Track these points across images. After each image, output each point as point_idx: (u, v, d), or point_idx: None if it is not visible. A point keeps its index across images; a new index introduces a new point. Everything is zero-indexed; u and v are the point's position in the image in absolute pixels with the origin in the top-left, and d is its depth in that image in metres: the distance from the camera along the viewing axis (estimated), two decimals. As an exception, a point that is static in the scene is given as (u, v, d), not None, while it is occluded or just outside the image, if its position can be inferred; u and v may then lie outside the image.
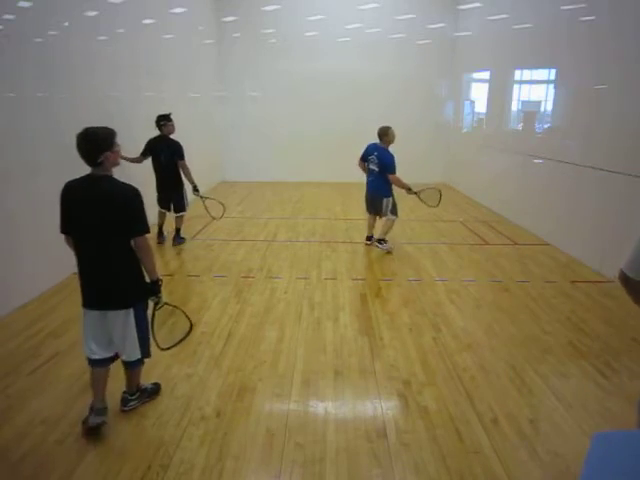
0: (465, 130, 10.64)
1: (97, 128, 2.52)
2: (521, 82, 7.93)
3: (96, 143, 2.44)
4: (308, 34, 10.63)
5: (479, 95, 9.72)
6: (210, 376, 3.18)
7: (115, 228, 2.47)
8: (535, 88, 7.55)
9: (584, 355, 3.51)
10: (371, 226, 6.15)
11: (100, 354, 2.61)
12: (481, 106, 9.63)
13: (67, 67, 4.87)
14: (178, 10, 8.14)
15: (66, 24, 4.85)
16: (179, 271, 5.23)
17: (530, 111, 7.57)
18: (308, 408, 2.88)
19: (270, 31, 10.64)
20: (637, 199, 4.73)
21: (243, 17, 10.56)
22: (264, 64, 10.79)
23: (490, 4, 8.90)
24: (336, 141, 10.78)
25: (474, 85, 10.25)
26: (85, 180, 2.54)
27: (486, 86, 9.31)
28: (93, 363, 2.63)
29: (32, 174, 4.35)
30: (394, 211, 5.83)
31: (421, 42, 10.71)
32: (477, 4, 9.50)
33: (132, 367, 2.72)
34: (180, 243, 6.14)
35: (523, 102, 7.84)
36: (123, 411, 2.77)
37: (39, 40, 4.44)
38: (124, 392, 2.80)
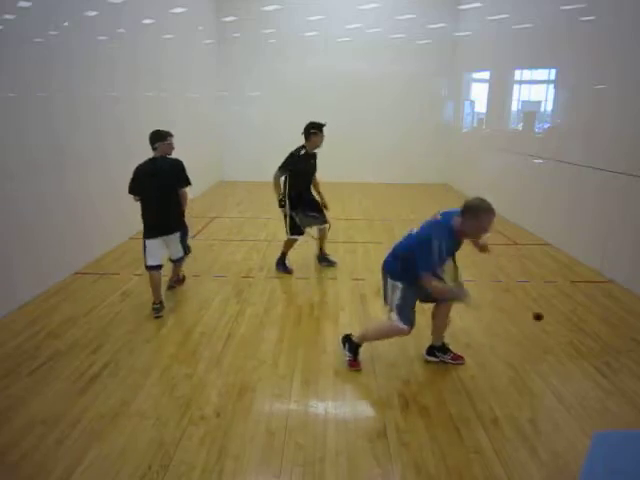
0: (465, 130, 10.64)
1: None
2: (521, 82, 7.93)
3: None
4: (308, 34, 10.63)
5: (479, 95, 9.72)
6: (210, 376, 3.18)
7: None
8: (535, 88, 7.55)
9: (584, 355, 3.51)
10: None
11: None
12: (481, 106, 9.63)
13: (67, 67, 4.88)
14: (178, 10, 8.13)
15: (66, 24, 4.85)
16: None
17: (530, 111, 7.57)
18: (308, 408, 2.88)
19: (270, 31, 10.63)
20: (637, 199, 4.74)
21: (243, 17, 10.56)
22: (264, 64, 10.79)
23: (490, 4, 8.90)
24: (336, 141, 10.73)
25: (474, 85, 10.25)
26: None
27: (486, 86, 9.31)
28: (150, 268, 4.03)
29: (32, 174, 4.35)
30: (402, 316, 3.21)
31: (421, 42, 10.70)
32: (477, 4, 9.50)
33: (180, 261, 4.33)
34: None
35: (523, 102, 7.83)
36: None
37: (39, 40, 4.44)
38: None
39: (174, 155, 4.24)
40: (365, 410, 2.90)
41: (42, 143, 4.49)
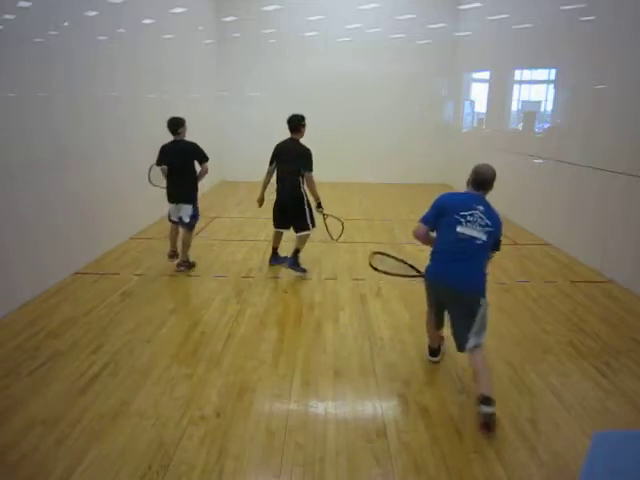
0: (465, 130, 10.64)
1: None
2: (521, 82, 7.93)
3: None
4: (308, 34, 10.63)
5: (479, 95, 9.72)
6: (210, 376, 3.18)
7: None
8: (535, 88, 7.55)
9: (584, 355, 3.51)
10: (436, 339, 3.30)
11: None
12: (481, 106, 9.63)
13: (67, 67, 4.87)
14: (178, 10, 8.14)
15: (66, 24, 4.85)
16: (179, 271, 5.23)
17: (530, 111, 7.57)
18: (308, 408, 2.88)
19: (270, 31, 10.64)
20: (637, 199, 4.74)
21: (243, 17, 10.56)
22: (264, 64, 10.79)
23: (490, 4, 8.90)
24: (336, 141, 10.78)
25: (474, 85, 10.24)
26: None
27: (486, 86, 9.31)
28: (171, 221, 5.19)
29: (32, 174, 4.35)
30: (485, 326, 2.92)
31: (421, 42, 10.71)
32: (477, 4, 9.50)
33: (186, 226, 5.07)
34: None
35: (523, 102, 7.83)
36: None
37: (39, 40, 4.44)
38: None
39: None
40: (365, 410, 2.89)
41: (43, 143, 4.49)
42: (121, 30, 6.05)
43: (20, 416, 2.73)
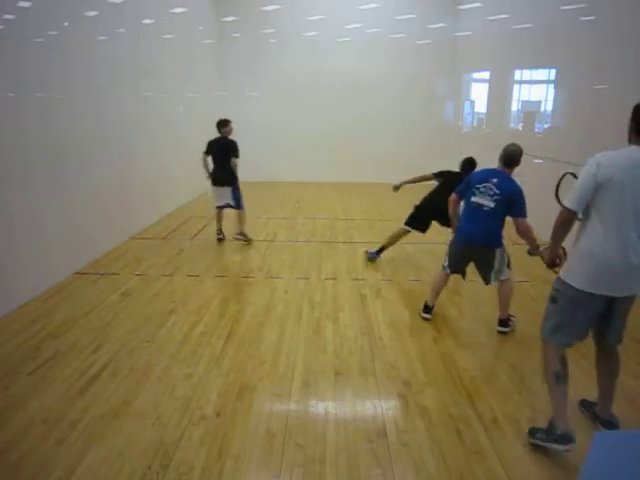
0: (465, 130, 10.64)
1: None
2: (521, 82, 7.94)
3: None
4: (308, 34, 10.64)
5: (479, 95, 9.73)
6: (210, 376, 3.18)
7: None
8: (535, 88, 7.55)
9: (584, 355, 3.50)
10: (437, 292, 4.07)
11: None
12: (481, 106, 9.64)
13: (67, 67, 4.88)
14: (178, 10, 8.14)
15: (66, 24, 4.85)
16: (179, 271, 5.23)
17: (530, 111, 7.58)
18: (308, 408, 2.88)
19: (270, 31, 10.65)
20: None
21: (243, 17, 10.57)
22: (264, 64, 10.80)
23: (490, 4, 8.90)
24: (336, 141, 10.80)
25: (474, 85, 10.25)
26: None
27: (486, 86, 9.31)
28: (216, 207, 6.28)
29: (32, 174, 4.35)
30: (509, 264, 3.93)
31: (421, 42, 10.71)
32: (477, 4, 9.51)
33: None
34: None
35: (523, 102, 7.84)
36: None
37: (39, 40, 4.44)
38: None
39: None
40: (365, 410, 2.89)
41: (42, 143, 4.48)
42: (121, 30, 6.05)
43: (20, 416, 2.73)
